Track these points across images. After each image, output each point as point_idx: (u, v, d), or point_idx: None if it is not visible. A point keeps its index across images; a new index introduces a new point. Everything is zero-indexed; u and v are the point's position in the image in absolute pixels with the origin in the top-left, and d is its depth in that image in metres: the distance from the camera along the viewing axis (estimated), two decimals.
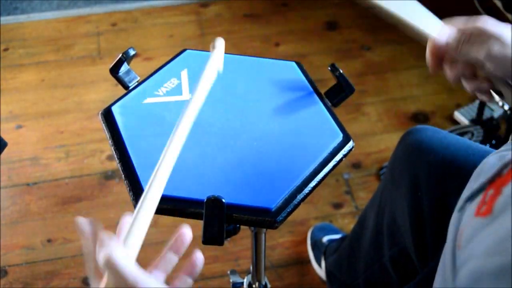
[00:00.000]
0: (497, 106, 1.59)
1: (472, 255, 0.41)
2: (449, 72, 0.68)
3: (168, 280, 0.52)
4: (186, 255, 0.55)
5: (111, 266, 0.45)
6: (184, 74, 0.86)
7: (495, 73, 0.62)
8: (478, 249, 0.41)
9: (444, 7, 2.28)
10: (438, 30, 0.68)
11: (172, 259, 0.52)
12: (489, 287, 0.37)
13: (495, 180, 0.47)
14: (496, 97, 0.69)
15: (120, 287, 0.46)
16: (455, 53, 0.64)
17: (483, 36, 0.62)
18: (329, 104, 0.82)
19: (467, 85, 0.68)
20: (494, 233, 0.41)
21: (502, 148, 0.54)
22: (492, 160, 0.53)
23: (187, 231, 0.52)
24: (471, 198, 0.50)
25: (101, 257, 0.46)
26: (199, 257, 0.52)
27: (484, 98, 0.68)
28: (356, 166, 1.55)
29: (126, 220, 0.52)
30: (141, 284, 0.45)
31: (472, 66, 0.66)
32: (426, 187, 0.85)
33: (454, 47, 0.64)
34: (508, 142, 0.54)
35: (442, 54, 0.67)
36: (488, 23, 0.62)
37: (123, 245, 0.48)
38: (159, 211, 0.63)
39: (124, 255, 0.46)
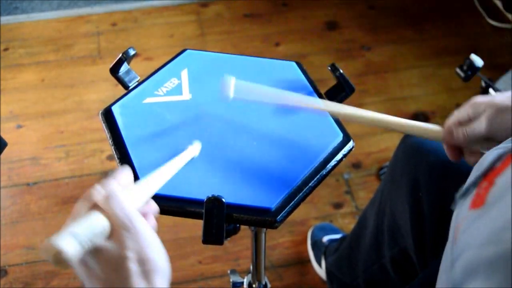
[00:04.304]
0: None
1: (467, 246, 0.41)
2: (470, 160, 0.69)
3: None
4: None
5: (111, 201, 0.46)
6: (184, 74, 0.86)
7: (504, 139, 0.63)
8: (473, 240, 0.41)
9: (444, 7, 2.28)
10: (440, 128, 0.70)
11: None
12: (485, 277, 0.37)
13: (488, 173, 0.47)
14: None
15: (116, 224, 0.46)
16: (465, 141, 0.66)
17: (478, 110, 0.63)
18: None
19: None
20: (488, 223, 0.41)
21: (501, 144, 0.54)
22: (491, 156, 0.53)
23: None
24: (465, 193, 0.50)
25: (102, 192, 0.47)
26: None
27: None
28: (356, 166, 1.55)
29: (125, 174, 0.53)
30: (136, 225, 0.46)
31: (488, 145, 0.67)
32: (426, 187, 0.85)
33: (461, 138, 0.66)
34: (508, 139, 0.54)
35: (459, 149, 0.69)
36: (477, 97, 0.65)
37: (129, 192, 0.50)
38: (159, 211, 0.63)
39: (126, 197, 0.47)
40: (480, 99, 0.65)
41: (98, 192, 0.48)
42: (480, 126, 0.63)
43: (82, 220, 0.46)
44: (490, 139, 0.66)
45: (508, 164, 0.44)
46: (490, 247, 0.38)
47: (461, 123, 0.67)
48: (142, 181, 0.56)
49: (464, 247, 0.42)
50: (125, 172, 0.53)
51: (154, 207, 0.55)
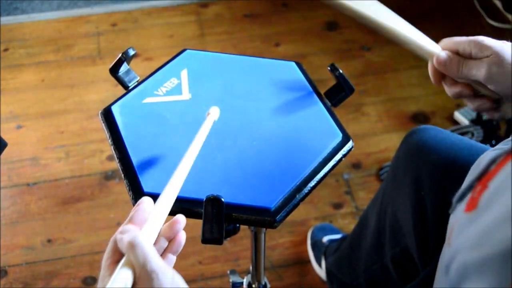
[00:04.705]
0: None
1: (460, 249, 0.41)
2: (448, 90, 0.67)
3: None
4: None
5: (135, 248, 0.47)
6: (184, 74, 0.86)
7: (497, 92, 0.61)
8: (465, 243, 0.41)
9: (444, 7, 2.27)
10: (436, 49, 0.66)
11: (163, 244, 0.54)
12: (475, 279, 0.37)
13: (482, 177, 0.47)
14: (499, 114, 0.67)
15: (139, 269, 0.47)
16: (455, 75, 0.63)
17: (483, 53, 0.60)
18: (329, 104, 0.82)
19: (469, 104, 0.67)
20: (478, 226, 0.41)
21: (500, 144, 0.54)
22: (487, 158, 0.53)
23: (181, 219, 0.54)
24: (461, 197, 0.50)
25: (125, 240, 0.48)
26: (183, 236, 0.55)
27: (488, 115, 0.67)
28: (356, 166, 1.55)
29: (144, 208, 0.53)
30: (159, 271, 0.47)
31: (470, 86, 0.65)
32: (428, 187, 0.85)
33: (454, 70, 0.62)
34: (507, 139, 0.54)
35: (443, 73, 0.66)
36: (487, 38, 0.61)
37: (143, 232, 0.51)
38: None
39: (146, 240, 0.48)
40: (489, 41, 0.61)
41: (121, 242, 0.49)
42: (478, 69, 0.59)
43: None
44: (482, 84, 0.62)
45: (501, 167, 0.44)
46: (478, 250, 0.38)
47: (460, 56, 0.64)
48: (160, 202, 0.56)
49: (457, 250, 0.42)
50: (142, 209, 0.53)
51: (180, 238, 0.55)
